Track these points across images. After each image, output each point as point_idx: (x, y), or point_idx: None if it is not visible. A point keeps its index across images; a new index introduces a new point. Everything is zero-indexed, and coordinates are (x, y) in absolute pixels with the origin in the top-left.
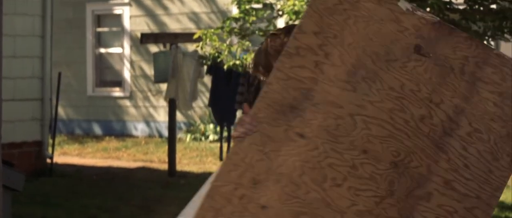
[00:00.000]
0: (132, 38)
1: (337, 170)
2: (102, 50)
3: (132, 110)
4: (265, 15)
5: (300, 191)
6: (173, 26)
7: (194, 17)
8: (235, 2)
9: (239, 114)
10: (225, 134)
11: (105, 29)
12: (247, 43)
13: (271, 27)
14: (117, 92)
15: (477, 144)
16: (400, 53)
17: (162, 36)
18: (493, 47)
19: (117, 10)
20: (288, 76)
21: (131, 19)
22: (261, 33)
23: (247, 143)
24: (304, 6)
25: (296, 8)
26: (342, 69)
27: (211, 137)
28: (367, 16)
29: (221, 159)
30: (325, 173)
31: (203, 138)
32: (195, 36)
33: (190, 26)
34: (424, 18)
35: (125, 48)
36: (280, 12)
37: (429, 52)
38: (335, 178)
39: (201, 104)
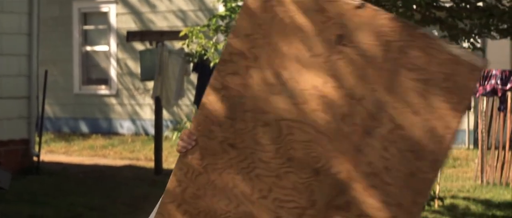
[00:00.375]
0: (119, 36)
1: (264, 181)
2: (89, 48)
3: (119, 108)
4: None
5: (232, 204)
6: (160, 24)
7: (181, 15)
8: (222, 0)
9: None
10: None
11: (92, 27)
12: None
13: None
14: (103, 90)
15: (398, 142)
16: (323, 47)
17: (148, 34)
18: (479, 45)
19: (104, 8)
20: (223, 85)
21: (118, 17)
22: None
23: (189, 157)
24: None
25: None
26: (269, 72)
27: None
28: (293, 10)
29: None
30: (253, 184)
31: None
32: (181, 34)
33: (177, 24)
34: (347, 3)
35: (112, 46)
36: None
37: (351, 42)
38: (262, 190)
39: (187, 102)
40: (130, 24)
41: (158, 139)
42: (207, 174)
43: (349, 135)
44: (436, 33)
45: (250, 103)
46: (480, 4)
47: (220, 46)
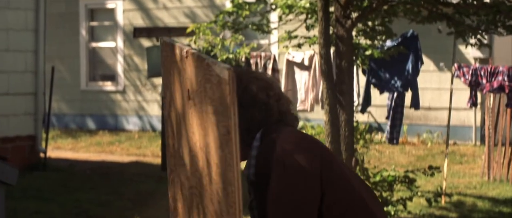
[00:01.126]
0: (125, 33)
1: None
2: (95, 44)
3: (125, 104)
4: (258, 9)
5: None
6: (168, 20)
7: (189, 12)
8: None
9: None
10: None
11: (98, 23)
12: (240, 37)
13: (264, 21)
14: (110, 86)
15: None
16: (185, 104)
17: (155, 30)
18: (486, 41)
19: (110, 4)
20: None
21: (124, 13)
22: (254, 27)
23: None
24: (297, 0)
25: (289, 2)
26: (178, 137)
27: None
28: (179, 72)
29: None
30: None
31: None
32: (188, 30)
33: (184, 21)
34: (186, 52)
35: (118, 43)
36: (273, 6)
37: (192, 92)
38: None
39: None
40: (137, 20)
41: (165, 135)
42: None
43: (211, 199)
44: (442, 29)
45: (176, 179)
46: (487, 0)
47: (227, 43)
